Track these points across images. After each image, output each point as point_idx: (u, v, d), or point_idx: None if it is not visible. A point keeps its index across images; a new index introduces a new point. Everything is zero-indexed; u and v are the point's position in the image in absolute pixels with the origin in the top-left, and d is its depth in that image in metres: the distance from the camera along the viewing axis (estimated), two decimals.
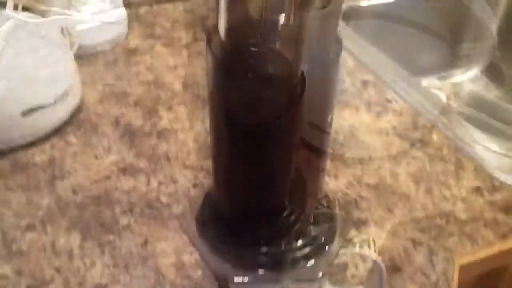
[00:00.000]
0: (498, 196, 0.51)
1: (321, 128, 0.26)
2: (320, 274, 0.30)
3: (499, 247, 0.46)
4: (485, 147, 0.57)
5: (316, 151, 0.28)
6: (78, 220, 0.47)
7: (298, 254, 0.30)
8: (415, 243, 0.46)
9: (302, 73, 0.25)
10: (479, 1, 0.97)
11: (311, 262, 0.30)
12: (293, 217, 0.31)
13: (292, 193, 0.30)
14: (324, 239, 0.31)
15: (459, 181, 0.53)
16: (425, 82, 0.99)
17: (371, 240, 0.35)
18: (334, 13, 0.25)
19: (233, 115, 0.25)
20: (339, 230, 0.32)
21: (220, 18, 0.24)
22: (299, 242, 0.30)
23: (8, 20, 0.58)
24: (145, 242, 0.45)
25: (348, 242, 0.35)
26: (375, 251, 0.34)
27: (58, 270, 0.43)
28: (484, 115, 0.96)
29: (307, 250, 0.30)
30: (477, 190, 0.52)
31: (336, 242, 0.32)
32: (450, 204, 0.50)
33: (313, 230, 0.31)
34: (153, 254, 0.44)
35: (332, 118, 0.27)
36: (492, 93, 1.01)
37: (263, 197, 0.29)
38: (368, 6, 0.91)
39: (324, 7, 0.24)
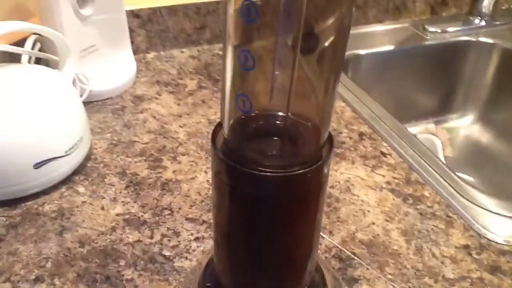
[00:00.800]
0: (484, 255, 0.53)
1: (313, 220, 0.29)
2: None
3: None
4: (476, 204, 0.59)
5: (307, 237, 0.30)
6: (85, 273, 0.50)
7: None
8: None
9: (329, 134, 0.27)
10: (473, 56, 1.01)
11: None
12: None
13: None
14: None
15: (448, 239, 0.55)
16: (421, 126, 1.02)
17: None
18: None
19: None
20: None
21: (224, 116, 0.27)
22: None
23: (22, 73, 0.62)
24: None
25: None
26: None
27: None
28: (476, 159, 0.99)
29: None
30: (465, 248, 0.54)
31: None
32: (439, 262, 0.52)
33: None
34: None
35: (322, 208, 0.30)
36: (486, 138, 1.04)
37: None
38: (368, 54, 0.95)
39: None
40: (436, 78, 1.05)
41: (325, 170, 0.26)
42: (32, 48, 0.71)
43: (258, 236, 0.29)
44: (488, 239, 0.55)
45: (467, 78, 1.06)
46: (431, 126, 1.04)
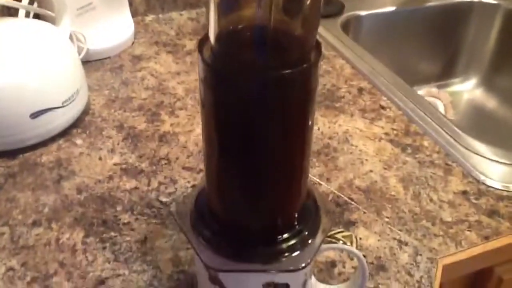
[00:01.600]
0: (483, 200, 0.53)
1: (302, 132, 0.29)
2: (303, 265, 0.32)
3: (482, 248, 0.48)
4: (475, 153, 0.59)
5: (299, 151, 0.30)
6: (82, 217, 0.50)
7: (284, 246, 0.33)
8: (401, 243, 0.48)
9: (317, 41, 0.27)
10: (475, 17, 1.00)
11: (295, 254, 0.33)
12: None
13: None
14: (308, 233, 0.33)
15: (447, 185, 0.55)
16: (424, 90, 1.01)
17: (353, 236, 0.37)
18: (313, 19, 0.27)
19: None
20: (322, 226, 0.35)
21: (210, 26, 0.26)
22: (285, 235, 0.33)
23: (19, 26, 0.61)
24: (145, 239, 0.48)
25: (332, 238, 0.37)
26: (357, 247, 0.37)
27: (61, 264, 0.45)
28: (479, 123, 0.98)
29: (292, 242, 0.33)
30: (464, 194, 0.54)
31: (319, 236, 0.34)
32: (436, 207, 0.52)
33: (298, 225, 0.34)
34: (152, 250, 0.47)
35: (312, 122, 0.30)
36: (489, 103, 1.03)
37: (257, 208, 0.31)
38: (368, 14, 0.94)
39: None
40: (438, 41, 1.03)
41: (313, 73, 0.26)
42: (30, 4, 0.70)
43: (247, 148, 0.28)
44: (486, 185, 0.55)
45: (470, 41, 1.04)
46: (434, 89, 1.03)
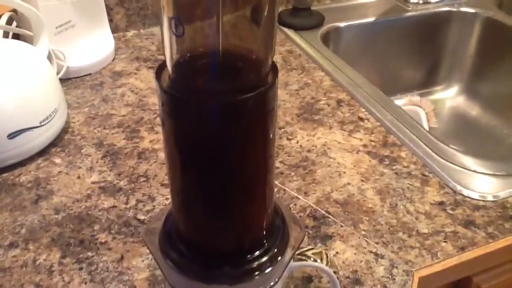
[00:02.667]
0: (459, 211, 0.53)
1: (263, 151, 0.29)
2: (272, 283, 0.32)
3: (457, 259, 0.48)
4: (452, 163, 0.59)
5: (261, 169, 0.30)
6: (59, 237, 0.50)
7: (252, 265, 0.33)
8: (377, 256, 0.48)
9: (273, 63, 0.27)
10: (455, 26, 1.01)
11: (264, 272, 0.33)
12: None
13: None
14: (277, 251, 0.34)
15: (424, 196, 0.55)
16: (406, 99, 1.02)
17: (323, 253, 0.37)
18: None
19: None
20: (291, 242, 0.35)
21: (166, 54, 0.27)
22: (253, 254, 0.33)
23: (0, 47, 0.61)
24: (121, 258, 0.48)
25: (302, 255, 0.37)
26: (327, 263, 0.37)
27: (38, 285, 0.45)
28: (461, 130, 0.99)
29: (260, 261, 0.33)
30: (440, 205, 0.54)
31: (288, 253, 0.34)
32: (413, 218, 0.52)
33: (266, 243, 0.34)
34: (128, 269, 0.47)
35: (273, 139, 0.30)
36: (471, 110, 1.04)
37: (222, 227, 0.32)
38: (348, 26, 0.95)
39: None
40: (419, 50, 1.04)
41: (269, 96, 0.26)
42: (8, 24, 0.71)
43: (208, 169, 0.29)
44: (463, 195, 0.55)
45: (450, 49, 1.06)
46: (416, 98, 1.04)
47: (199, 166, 0.29)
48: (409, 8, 1.00)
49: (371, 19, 0.96)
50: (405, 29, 1.01)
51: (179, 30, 0.26)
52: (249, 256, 0.33)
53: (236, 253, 0.33)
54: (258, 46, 0.26)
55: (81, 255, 0.48)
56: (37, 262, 0.47)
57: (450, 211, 0.53)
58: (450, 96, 1.09)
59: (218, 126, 0.26)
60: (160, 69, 0.27)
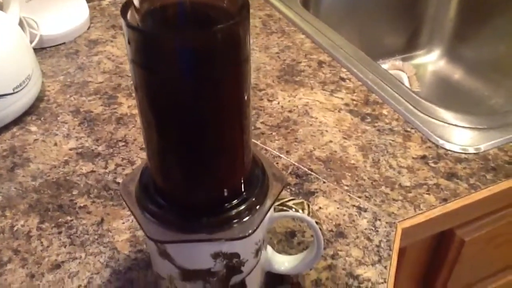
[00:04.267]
0: (441, 164, 0.53)
1: (238, 97, 0.28)
2: (250, 231, 0.31)
3: (440, 210, 0.48)
4: (434, 118, 0.59)
5: (236, 116, 0.29)
6: (37, 203, 0.49)
7: (231, 214, 0.32)
8: (360, 210, 0.48)
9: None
10: None
11: (243, 221, 0.32)
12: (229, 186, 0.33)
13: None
14: (255, 200, 0.33)
15: (406, 151, 0.55)
16: (388, 64, 1.01)
17: (305, 203, 0.37)
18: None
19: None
20: (271, 192, 0.34)
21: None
22: (231, 203, 0.32)
23: None
24: (101, 221, 0.47)
25: (283, 206, 0.37)
26: (309, 213, 0.36)
27: (16, 251, 0.44)
28: (444, 94, 0.99)
29: (238, 209, 0.32)
30: (422, 158, 0.54)
31: (268, 202, 0.33)
32: (396, 173, 0.52)
33: (245, 193, 0.33)
34: (109, 231, 0.46)
35: (249, 88, 0.29)
36: (453, 73, 1.04)
37: (199, 178, 0.31)
38: None
39: None
40: (400, 14, 1.03)
41: (241, 31, 0.25)
42: None
43: (182, 118, 0.28)
44: (445, 149, 0.55)
45: (431, 13, 1.05)
46: (398, 62, 1.03)
47: (171, 114, 0.28)
48: None
49: None
50: None
51: None
52: (227, 205, 0.32)
53: (214, 203, 0.32)
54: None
55: (60, 220, 0.47)
56: (15, 228, 0.46)
57: (432, 165, 0.53)
58: (432, 60, 1.08)
59: (189, 66, 0.25)
60: (126, 7, 0.26)
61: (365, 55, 0.72)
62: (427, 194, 0.50)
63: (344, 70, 0.69)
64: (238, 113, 0.30)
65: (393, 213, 0.48)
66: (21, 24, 0.68)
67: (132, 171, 0.50)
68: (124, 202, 0.33)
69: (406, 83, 0.98)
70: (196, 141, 0.29)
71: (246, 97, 0.29)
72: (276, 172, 0.36)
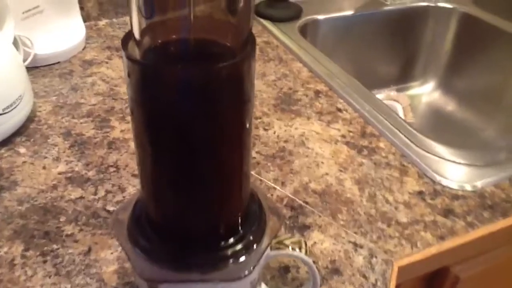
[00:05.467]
0: (438, 200, 0.53)
1: (238, 129, 0.27)
2: (246, 272, 0.30)
3: (437, 248, 0.47)
4: (431, 153, 0.59)
5: (236, 149, 0.28)
6: (22, 229, 0.47)
7: (226, 253, 0.31)
8: (356, 246, 0.47)
9: (250, 33, 0.25)
10: (432, 21, 1.01)
11: (239, 261, 0.31)
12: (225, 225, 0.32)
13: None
14: (252, 238, 0.32)
15: (403, 186, 0.54)
16: (383, 94, 1.01)
17: (302, 242, 0.36)
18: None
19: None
20: (268, 230, 0.33)
21: (132, 19, 0.24)
22: (227, 241, 0.31)
23: None
24: (89, 251, 0.45)
25: (280, 244, 0.35)
26: (306, 252, 0.35)
27: None
28: (437, 125, 0.99)
29: (235, 249, 0.31)
30: (419, 194, 0.53)
31: (265, 241, 0.32)
32: (392, 208, 0.51)
33: (241, 230, 0.32)
34: (96, 262, 0.44)
35: (251, 119, 0.28)
36: (447, 105, 1.04)
37: (194, 212, 0.30)
38: (326, 18, 0.93)
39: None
40: (396, 45, 1.04)
41: (246, 67, 0.24)
42: None
43: (179, 149, 0.26)
44: (442, 185, 0.55)
45: (427, 44, 1.06)
46: (393, 93, 1.04)
47: (170, 146, 0.27)
48: (387, 3, 1.00)
49: (349, 12, 0.96)
50: (383, 24, 1.00)
51: (147, 11, 0.24)
52: (223, 243, 0.31)
53: (209, 240, 0.31)
54: (235, 11, 0.24)
55: (45, 248, 0.45)
56: None
57: (429, 201, 0.52)
58: (426, 92, 1.09)
59: (189, 101, 0.24)
60: (126, 39, 0.25)
61: (361, 85, 0.72)
62: (424, 231, 0.49)
63: (341, 100, 0.68)
64: (238, 144, 0.29)
65: (389, 250, 0.47)
66: (15, 42, 0.67)
67: (124, 201, 0.49)
68: (114, 236, 0.32)
69: (401, 113, 0.98)
70: (193, 172, 0.28)
71: (247, 128, 0.28)
72: (272, 206, 0.35)
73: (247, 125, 0.27)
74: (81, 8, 0.83)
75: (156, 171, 0.29)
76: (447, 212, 0.51)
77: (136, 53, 0.24)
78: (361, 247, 0.47)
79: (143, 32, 0.24)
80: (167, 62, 0.25)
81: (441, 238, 0.48)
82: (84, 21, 0.82)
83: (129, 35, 0.25)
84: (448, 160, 0.58)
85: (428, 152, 0.59)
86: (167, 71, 0.24)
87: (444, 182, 0.55)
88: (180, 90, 0.24)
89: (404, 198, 0.53)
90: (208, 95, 0.25)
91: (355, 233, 0.48)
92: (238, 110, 0.27)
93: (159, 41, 0.24)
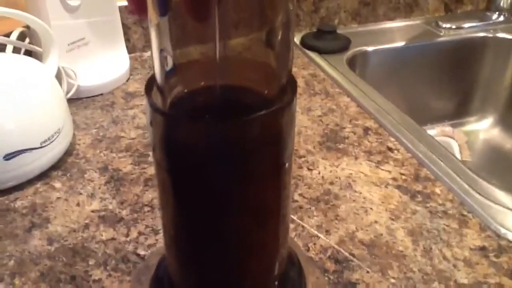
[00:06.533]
0: (504, 258, 0.46)
1: (275, 187, 0.24)
2: None
3: None
4: (494, 202, 0.53)
5: (270, 208, 0.25)
6: (49, 272, 0.45)
7: None
8: None
9: (291, 75, 0.22)
10: (490, 53, 0.95)
11: None
12: None
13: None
14: None
15: (462, 240, 0.48)
16: (437, 130, 0.95)
17: None
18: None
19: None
20: None
21: (155, 64, 0.22)
22: None
23: (3, 61, 0.58)
24: None
25: None
26: None
27: None
28: (496, 164, 0.91)
29: None
30: (482, 250, 0.47)
31: None
32: (450, 266, 0.46)
33: None
34: None
35: (290, 172, 0.25)
36: (507, 143, 0.96)
37: (223, 280, 0.26)
38: (376, 50, 0.89)
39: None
40: (451, 78, 0.98)
41: (285, 116, 0.21)
42: (20, 39, 0.68)
43: (208, 210, 0.23)
44: (508, 240, 0.48)
45: (485, 78, 0.99)
46: (448, 129, 0.97)
47: (197, 207, 0.23)
48: (441, 33, 0.94)
49: (400, 43, 0.91)
50: (436, 55, 0.95)
51: (169, 66, 0.21)
52: None
53: None
54: (271, 54, 0.21)
55: None
56: None
57: (493, 258, 0.46)
58: (484, 128, 1.01)
59: (217, 157, 0.21)
60: (150, 84, 0.22)
61: (414, 122, 0.67)
62: None
63: (392, 139, 0.63)
64: (274, 207, 0.25)
65: None
66: (59, 74, 0.67)
67: (155, 246, 0.46)
68: None
69: (456, 151, 0.92)
70: (220, 237, 0.25)
71: (285, 191, 0.25)
72: (315, 270, 0.31)
73: (285, 189, 0.24)
74: (127, 40, 0.83)
75: (178, 228, 0.25)
76: None
77: (159, 100, 0.21)
78: None
79: (167, 78, 0.21)
80: (193, 112, 0.21)
81: None
82: (129, 52, 0.82)
83: (152, 79, 0.22)
84: None
85: (491, 201, 0.53)
86: (189, 122, 0.20)
87: (511, 236, 0.49)
88: (206, 144, 0.21)
89: (464, 255, 0.47)
90: (236, 152, 0.21)
91: None
92: (274, 170, 0.23)
93: (185, 90, 0.21)
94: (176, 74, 0.21)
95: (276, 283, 0.28)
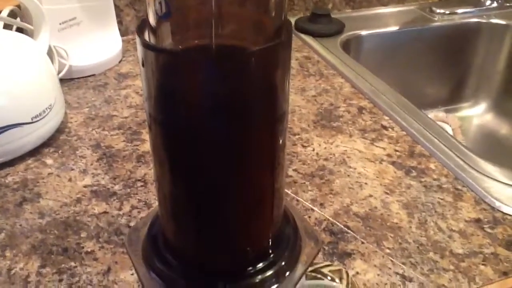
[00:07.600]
0: (499, 229, 0.46)
1: (270, 135, 0.23)
2: None
3: (499, 286, 0.41)
4: (488, 176, 0.52)
5: (267, 158, 0.24)
6: (40, 244, 0.44)
7: (254, 280, 0.26)
8: (405, 279, 0.41)
9: (285, 19, 0.21)
10: (484, 38, 0.95)
11: None
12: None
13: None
14: (285, 264, 0.27)
15: (457, 212, 0.48)
16: (431, 115, 0.95)
17: (343, 272, 0.31)
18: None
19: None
20: (303, 256, 0.28)
21: (149, 7, 0.21)
22: (255, 267, 0.27)
23: None
24: (108, 270, 0.41)
25: (317, 273, 0.31)
26: (348, 284, 0.30)
27: None
28: (490, 149, 0.92)
29: (264, 275, 0.27)
30: (477, 222, 0.47)
31: (299, 268, 0.28)
32: (446, 237, 0.45)
33: (272, 255, 0.27)
34: (115, 283, 0.40)
35: (285, 139, 0.24)
36: (500, 128, 0.97)
37: (218, 235, 0.25)
38: (370, 34, 0.89)
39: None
40: (445, 63, 0.98)
41: (281, 54, 0.20)
42: (11, 16, 0.67)
43: (202, 159, 0.23)
44: (502, 212, 0.48)
45: (479, 63, 0.99)
46: (442, 114, 0.97)
47: (189, 156, 0.23)
48: (435, 19, 0.94)
49: (394, 28, 0.91)
50: (430, 41, 0.95)
51: (164, 11, 0.20)
52: (250, 268, 0.27)
53: (235, 265, 0.27)
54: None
55: (62, 265, 0.42)
56: (13, 271, 0.41)
57: (488, 230, 0.46)
58: (477, 113, 1.01)
59: (214, 93, 0.20)
60: (143, 26, 0.22)
61: (409, 102, 0.67)
62: (483, 264, 0.43)
63: (386, 117, 0.63)
64: (270, 158, 0.24)
65: (443, 285, 0.41)
66: (50, 52, 0.66)
67: (144, 217, 0.46)
68: (130, 259, 0.28)
69: None
70: (217, 189, 0.24)
71: (281, 142, 0.24)
72: (310, 230, 0.30)
73: (281, 140, 0.23)
74: (119, 22, 0.82)
75: (173, 184, 0.25)
76: (510, 244, 0.45)
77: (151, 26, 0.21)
78: (410, 280, 0.41)
79: (159, 23, 0.20)
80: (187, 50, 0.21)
81: (504, 274, 0.42)
82: (122, 35, 0.81)
83: (145, 21, 0.22)
84: (508, 185, 0.51)
85: (486, 176, 0.53)
86: (188, 57, 0.20)
87: (505, 209, 0.49)
88: (202, 83, 0.20)
89: (459, 226, 0.47)
90: (234, 93, 0.21)
91: (403, 263, 0.42)
92: (270, 105, 0.22)
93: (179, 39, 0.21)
94: (170, 19, 0.20)
95: (270, 241, 0.27)
